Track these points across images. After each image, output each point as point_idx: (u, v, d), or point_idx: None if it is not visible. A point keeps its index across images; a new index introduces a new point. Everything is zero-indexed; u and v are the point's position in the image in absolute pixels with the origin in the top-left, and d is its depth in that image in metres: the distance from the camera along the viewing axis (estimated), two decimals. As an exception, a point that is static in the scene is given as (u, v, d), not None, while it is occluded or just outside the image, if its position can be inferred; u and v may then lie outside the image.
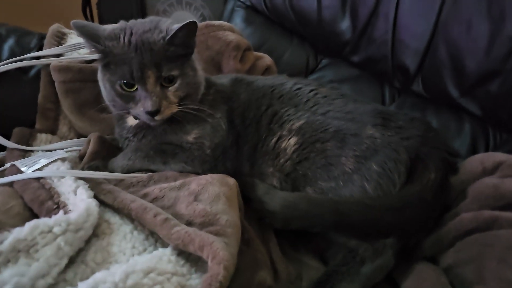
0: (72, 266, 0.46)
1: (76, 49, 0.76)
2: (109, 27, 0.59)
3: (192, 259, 0.47)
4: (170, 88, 0.58)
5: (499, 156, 0.56)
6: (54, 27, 0.77)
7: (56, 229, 0.44)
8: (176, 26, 0.56)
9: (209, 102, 0.65)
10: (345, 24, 0.88)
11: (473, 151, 0.76)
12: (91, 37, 0.56)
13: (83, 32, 0.55)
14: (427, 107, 0.82)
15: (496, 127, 0.76)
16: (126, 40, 0.56)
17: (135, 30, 0.57)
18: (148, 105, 0.56)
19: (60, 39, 0.77)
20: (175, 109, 0.59)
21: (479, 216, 0.49)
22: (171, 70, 0.57)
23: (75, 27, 0.55)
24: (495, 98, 0.70)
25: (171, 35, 0.55)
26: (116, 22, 0.61)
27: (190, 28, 0.56)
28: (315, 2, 0.90)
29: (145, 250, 0.50)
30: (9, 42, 0.76)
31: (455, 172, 0.57)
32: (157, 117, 0.57)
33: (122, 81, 0.56)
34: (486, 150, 0.75)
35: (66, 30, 0.79)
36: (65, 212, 0.51)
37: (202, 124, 0.63)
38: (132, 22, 0.60)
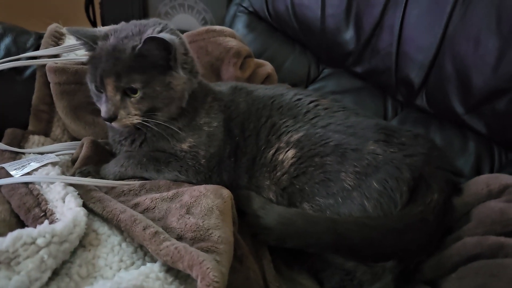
0: (55, 278, 0.44)
1: (73, 50, 0.74)
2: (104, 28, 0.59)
3: (181, 276, 0.45)
4: (132, 99, 0.56)
5: (506, 178, 0.54)
6: (52, 27, 0.76)
7: (40, 241, 0.42)
8: (155, 36, 0.53)
9: (206, 110, 0.63)
10: (349, 34, 0.87)
11: (477, 170, 0.74)
12: (90, 38, 0.57)
13: (81, 35, 0.56)
14: (430, 123, 0.80)
15: (502, 147, 0.74)
16: (106, 43, 0.56)
17: (118, 33, 0.57)
18: (103, 111, 0.56)
19: (57, 39, 0.76)
20: (136, 120, 0.57)
21: (483, 241, 0.47)
22: (132, 82, 0.55)
23: (70, 32, 0.56)
24: (502, 116, 0.68)
25: (140, 47, 0.54)
26: (118, 23, 0.61)
27: (157, 44, 0.53)
28: (319, 11, 0.89)
29: (133, 264, 0.48)
30: (6, 41, 0.75)
31: (459, 193, 0.55)
32: (114, 124, 0.57)
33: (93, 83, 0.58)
34: (491, 170, 0.73)
35: (64, 30, 0.77)
36: (52, 221, 0.49)
37: (198, 132, 0.62)
38: (122, 24, 0.60)
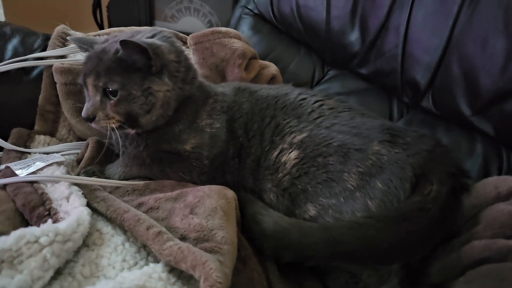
0: (58, 278, 0.44)
1: (79, 51, 0.75)
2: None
3: (184, 276, 0.45)
4: (111, 101, 0.56)
5: (515, 181, 0.53)
6: (59, 28, 0.77)
7: (43, 240, 0.42)
8: (127, 40, 0.53)
9: (208, 112, 0.63)
10: (354, 36, 0.86)
11: (485, 172, 0.72)
12: (90, 45, 0.59)
13: (82, 42, 0.60)
14: (437, 124, 0.79)
15: (510, 148, 0.73)
16: (99, 46, 0.58)
17: (113, 38, 0.59)
18: (83, 110, 0.57)
19: (65, 40, 0.76)
20: (113, 124, 0.57)
21: (492, 245, 0.46)
22: (110, 82, 0.55)
23: (72, 41, 0.60)
24: (510, 118, 0.67)
25: (120, 51, 0.54)
26: (124, 26, 0.63)
27: (133, 48, 0.53)
28: (324, 13, 0.89)
29: (136, 264, 0.48)
30: (13, 42, 0.76)
31: (467, 192, 0.53)
32: (93, 125, 0.58)
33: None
34: (499, 172, 0.72)
35: (71, 32, 0.78)
36: (56, 220, 0.49)
37: (200, 134, 0.61)
38: (128, 29, 0.63)
